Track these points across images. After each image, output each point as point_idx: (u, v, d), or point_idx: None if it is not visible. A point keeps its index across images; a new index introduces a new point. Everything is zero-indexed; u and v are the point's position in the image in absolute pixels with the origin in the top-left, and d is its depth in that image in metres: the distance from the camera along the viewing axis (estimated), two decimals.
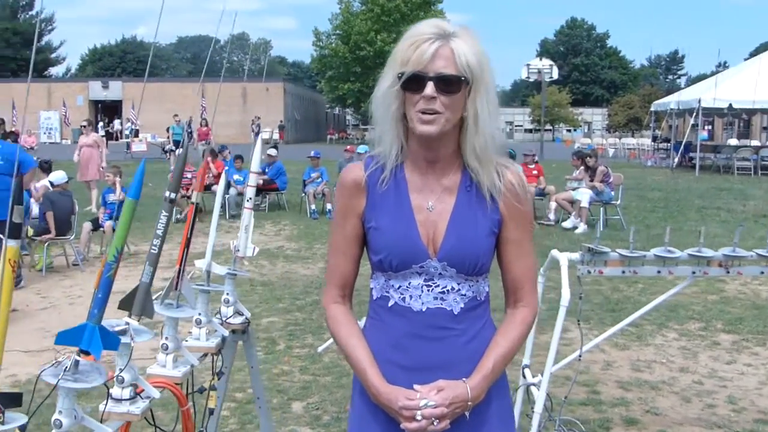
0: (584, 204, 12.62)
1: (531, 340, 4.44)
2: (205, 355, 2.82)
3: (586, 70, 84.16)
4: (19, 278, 8.55)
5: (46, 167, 10.95)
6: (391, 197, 1.97)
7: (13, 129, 18.15)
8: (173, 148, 20.55)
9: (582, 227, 12.46)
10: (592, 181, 12.94)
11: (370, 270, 2.04)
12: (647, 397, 5.28)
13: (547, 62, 34.27)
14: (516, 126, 77.13)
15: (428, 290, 1.96)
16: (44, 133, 44.69)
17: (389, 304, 1.99)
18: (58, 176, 10.07)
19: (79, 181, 15.12)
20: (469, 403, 1.89)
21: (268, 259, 10.34)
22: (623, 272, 4.03)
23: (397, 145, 1.95)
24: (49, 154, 25.04)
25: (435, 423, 1.83)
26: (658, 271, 4.03)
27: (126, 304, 2.17)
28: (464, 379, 1.91)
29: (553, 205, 13.28)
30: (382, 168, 1.98)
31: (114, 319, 2.15)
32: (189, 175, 14.12)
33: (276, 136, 47.66)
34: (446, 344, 1.97)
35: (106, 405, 2.11)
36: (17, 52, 66.32)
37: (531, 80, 35.88)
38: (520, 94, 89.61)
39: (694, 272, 4.02)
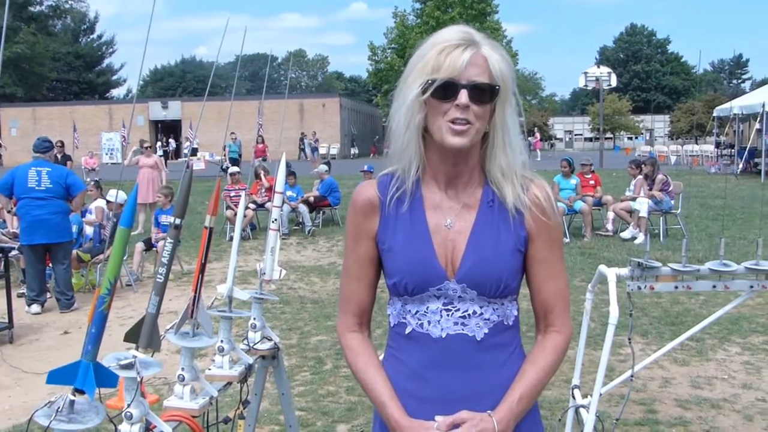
0: (643, 214, 12.24)
1: (580, 359, 4.24)
2: (230, 383, 2.71)
3: (647, 77, 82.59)
4: (71, 300, 8.66)
5: (98, 187, 11.08)
6: (406, 216, 1.84)
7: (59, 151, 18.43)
8: (229, 165, 20.75)
9: (641, 238, 12.08)
10: (650, 190, 12.54)
11: (388, 296, 1.91)
12: (707, 416, 5.01)
13: (605, 70, 33.58)
14: (575, 135, 76.08)
15: (447, 315, 1.81)
16: (106, 154, 45.77)
17: (407, 331, 1.85)
18: (120, 196, 10.13)
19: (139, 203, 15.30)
20: None
21: (319, 276, 10.29)
22: (676, 287, 3.83)
23: (417, 160, 1.82)
24: (110, 175, 25.61)
25: None
26: (714, 286, 3.81)
27: (132, 336, 2.08)
28: (489, 412, 1.76)
29: (611, 215, 12.93)
30: (398, 186, 1.85)
31: (122, 352, 2.06)
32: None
33: (334, 151, 47.91)
34: (470, 374, 1.82)
35: None
36: (79, 75, 68.30)
37: (589, 88, 35.26)
38: (579, 102, 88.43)
39: (752, 286, 3.79)
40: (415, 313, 1.83)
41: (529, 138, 52.08)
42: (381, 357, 1.94)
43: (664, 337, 6.61)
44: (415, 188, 1.85)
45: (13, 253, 9.72)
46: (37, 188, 8.45)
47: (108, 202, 10.10)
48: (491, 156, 1.81)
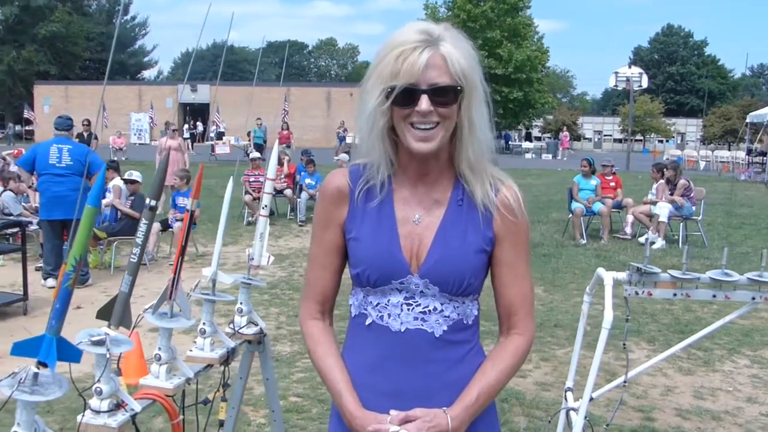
0: (663, 218, 12.11)
1: (575, 362, 4.21)
2: (210, 366, 2.73)
3: (682, 79, 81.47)
4: (86, 276, 8.77)
5: (114, 167, 11.19)
6: (374, 208, 1.83)
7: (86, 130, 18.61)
8: (252, 151, 20.83)
9: (660, 243, 11.96)
10: (672, 194, 12.40)
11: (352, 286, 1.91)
12: (706, 427, 4.96)
13: (636, 70, 33.27)
14: (605, 135, 75.37)
15: (408, 309, 1.80)
16: (134, 135, 46.20)
17: (367, 323, 1.85)
18: (138, 174, 10.24)
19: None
20: None
21: None
22: (675, 295, 3.77)
23: (385, 161, 1.81)
24: (137, 155, 25.90)
25: None
26: (714, 296, 3.75)
27: (104, 314, 2.10)
28: (444, 408, 1.75)
29: (630, 218, 12.80)
30: (369, 178, 1.84)
31: (95, 328, 2.09)
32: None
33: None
34: (426, 370, 1.81)
35: (83, 416, 2.05)
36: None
37: (619, 89, 34.94)
38: (610, 103, 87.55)
39: (754, 298, 3.72)
40: (376, 305, 1.83)
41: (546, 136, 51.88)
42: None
43: (672, 345, 6.51)
44: (387, 181, 1.84)
45: (32, 227, 9.88)
46: (57, 165, 8.57)
47: (131, 182, 10.20)
48: (459, 151, 1.79)
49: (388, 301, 1.81)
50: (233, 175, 2.88)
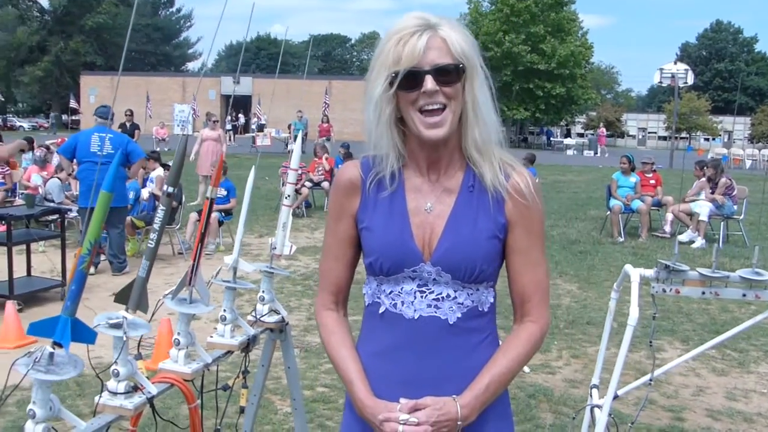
0: (703, 217, 11.91)
1: (601, 358, 4.18)
2: (230, 352, 2.77)
3: (730, 77, 79.74)
4: (123, 264, 8.93)
5: (155, 157, 11.35)
6: (386, 198, 1.84)
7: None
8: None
9: (699, 242, 11.77)
10: (713, 193, 12.18)
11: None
12: (738, 429, 4.88)
13: (682, 67, 32.70)
14: (649, 133, 74.27)
15: (422, 296, 1.81)
16: (177, 125, 46.71)
17: (380, 311, 1.86)
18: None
19: (197, 174, 15.58)
20: (459, 423, 1.73)
21: None
22: (703, 293, 3.71)
23: (394, 152, 1.82)
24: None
25: None
26: (744, 295, 3.69)
27: (122, 298, 2.14)
28: (454, 396, 1.76)
29: (669, 216, 12.61)
30: (380, 168, 1.85)
31: (113, 311, 2.13)
32: (300, 170, 14.36)
33: None
34: (439, 357, 1.81)
35: (100, 397, 2.09)
36: (156, 47, 69.78)
37: (664, 85, 34.40)
38: (656, 99, 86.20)
39: None
40: (390, 293, 1.84)
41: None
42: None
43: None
44: (397, 171, 1.85)
45: (72, 214, 10.07)
46: (99, 153, 8.69)
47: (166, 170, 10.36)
48: (465, 133, 1.79)
49: (402, 289, 1.82)
50: (255, 165, 2.90)
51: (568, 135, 60.47)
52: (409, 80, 1.70)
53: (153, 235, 2.16)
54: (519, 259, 1.84)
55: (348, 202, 1.89)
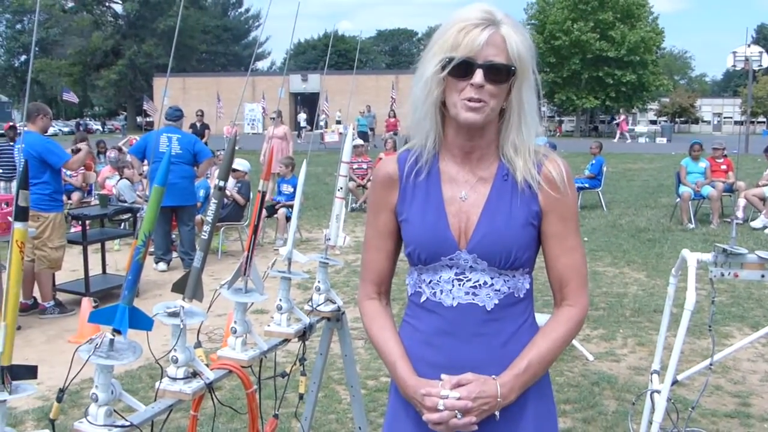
0: None
1: (661, 344, 4.15)
2: (287, 340, 2.87)
3: None
4: (169, 260, 9.18)
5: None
6: (422, 188, 1.91)
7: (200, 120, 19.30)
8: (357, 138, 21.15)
9: None
10: None
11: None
12: None
13: (756, 49, 31.66)
14: (725, 118, 72.09)
15: (459, 284, 1.86)
16: (248, 125, 47.50)
17: (421, 300, 1.92)
18: (242, 163, 10.62)
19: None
20: (499, 400, 1.78)
21: None
22: (762, 276, 3.66)
23: (434, 134, 1.88)
24: (250, 145, 26.66)
25: (458, 416, 1.74)
26: None
27: (179, 288, 2.26)
28: (494, 376, 1.81)
29: (741, 202, 12.28)
30: (416, 160, 1.92)
31: (171, 301, 2.25)
32: (365, 165, 14.50)
33: None
34: (479, 344, 1.86)
35: (160, 382, 2.21)
36: (226, 48, 71.14)
37: (737, 68, 33.36)
38: (732, 84, 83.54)
39: None
40: (429, 282, 1.90)
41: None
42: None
43: None
44: (433, 162, 1.90)
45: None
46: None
47: (234, 170, 10.57)
48: (506, 133, 1.84)
49: (440, 277, 1.88)
50: (306, 159, 2.99)
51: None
52: (461, 69, 1.75)
53: (206, 227, 2.26)
54: (555, 244, 1.88)
55: (386, 195, 1.96)
